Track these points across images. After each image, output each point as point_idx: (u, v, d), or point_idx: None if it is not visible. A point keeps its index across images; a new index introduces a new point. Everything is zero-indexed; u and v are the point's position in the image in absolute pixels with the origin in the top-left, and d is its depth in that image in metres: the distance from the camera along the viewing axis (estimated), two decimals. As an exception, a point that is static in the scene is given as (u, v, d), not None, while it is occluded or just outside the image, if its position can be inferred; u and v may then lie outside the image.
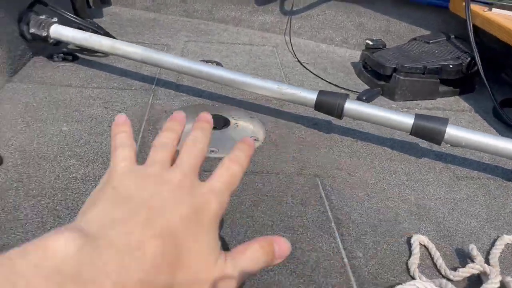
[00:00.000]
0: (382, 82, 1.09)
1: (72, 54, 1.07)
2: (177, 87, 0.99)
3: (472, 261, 0.56)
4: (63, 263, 0.22)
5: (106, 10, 1.46)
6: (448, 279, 0.54)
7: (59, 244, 0.23)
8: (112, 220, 0.26)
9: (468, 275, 0.54)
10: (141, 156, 0.41)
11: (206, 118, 0.37)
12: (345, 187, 0.71)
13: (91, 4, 1.37)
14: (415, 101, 1.08)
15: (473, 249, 0.57)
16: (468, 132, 0.74)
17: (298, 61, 1.25)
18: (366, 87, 1.13)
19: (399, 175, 0.77)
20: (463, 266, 0.55)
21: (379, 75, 1.11)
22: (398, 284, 0.51)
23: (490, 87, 1.00)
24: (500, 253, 0.60)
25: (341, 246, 0.59)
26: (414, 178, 0.76)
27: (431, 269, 0.57)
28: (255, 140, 0.82)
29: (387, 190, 0.72)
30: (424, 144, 0.86)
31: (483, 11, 1.13)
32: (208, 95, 0.97)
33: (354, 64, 1.28)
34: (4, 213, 0.57)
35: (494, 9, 1.13)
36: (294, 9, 1.43)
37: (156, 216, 0.27)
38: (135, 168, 0.32)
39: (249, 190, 0.68)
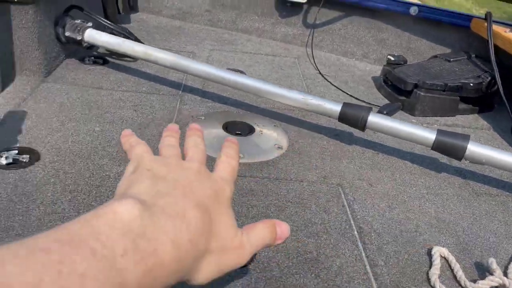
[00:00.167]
0: (403, 97, 1.11)
1: (103, 57, 1.11)
2: (203, 94, 1.02)
3: (491, 274, 0.58)
4: (130, 224, 0.26)
5: (133, 16, 1.51)
6: (468, 291, 0.56)
7: (126, 209, 0.27)
8: (158, 192, 0.31)
9: (487, 287, 0.56)
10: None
11: (196, 127, 0.42)
12: (366, 197, 0.73)
13: (120, 10, 1.42)
14: (434, 117, 1.10)
15: (493, 263, 0.59)
16: (489, 149, 0.76)
17: (320, 73, 1.28)
18: (386, 101, 1.15)
19: (419, 189, 0.78)
20: (482, 278, 0.57)
21: (399, 90, 1.13)
22: (420, 292, 0.52)
23: (510, 106, 1.02)
24: (519, 268, 0.61)
25: (363, 253, 0.61)
26: (434, 192, 0.78)
27: (451, 281, 0.58)
28: (279, 148, 0.84)
29: (408, 202, 0.74)
30: (443, 159, 0.88)
31: (505, 32, 1.15)
32: (233, 102, 1.00)
33: (374, 79, 1.31)
34: (43, 206, 0.61)
35: (515, 31, 1.15)
36: (317, 22, 1.46)
37: (189, 192, 0.32)
38: (158, 158, 0.37)
39: (274, 195, 0.70)
